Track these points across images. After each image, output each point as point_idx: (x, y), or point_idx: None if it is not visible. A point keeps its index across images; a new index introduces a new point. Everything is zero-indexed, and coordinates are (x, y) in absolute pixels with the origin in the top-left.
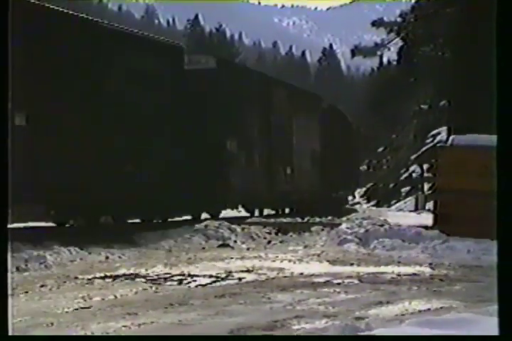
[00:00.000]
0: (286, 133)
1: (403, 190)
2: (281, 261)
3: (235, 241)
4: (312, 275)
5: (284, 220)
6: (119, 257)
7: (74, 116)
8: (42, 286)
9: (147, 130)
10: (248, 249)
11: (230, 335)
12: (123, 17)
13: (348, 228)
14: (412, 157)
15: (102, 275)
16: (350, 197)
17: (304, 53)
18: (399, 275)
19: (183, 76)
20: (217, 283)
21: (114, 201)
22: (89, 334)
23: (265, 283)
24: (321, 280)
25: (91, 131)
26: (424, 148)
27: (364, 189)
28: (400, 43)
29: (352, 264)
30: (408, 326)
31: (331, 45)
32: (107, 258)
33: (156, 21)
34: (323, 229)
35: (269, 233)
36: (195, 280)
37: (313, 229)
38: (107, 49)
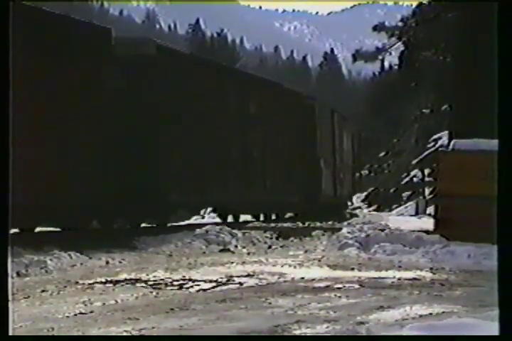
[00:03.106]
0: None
1: (404, 194)
2: (282, 266)
3: (236, 246)
4: (313, 279)
5: (285, 225)
6: (120, 262)
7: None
8: (42, 291)
9: None
10: (249, 253)
11: (228, 335)
12: (124, 21)
13: (348, 232)
14: (414, 161)
15: (103, 280)
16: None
17: (305, 58)
18: (399, 279)
19: None
20: (218, 288)
21: None
22: None
23: (266, 287)
24: (322, 284)
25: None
26: (425, 153)
27: (365, 193)
28: (401, 48)
29: (353, 269)
30: (409, 330)
31: (332, 50)
32: (108, 263)
33: (158, 26)
34: (323, 234)
35: (270, 238)
36: (196, 285)
37: (313, 233)
38: None
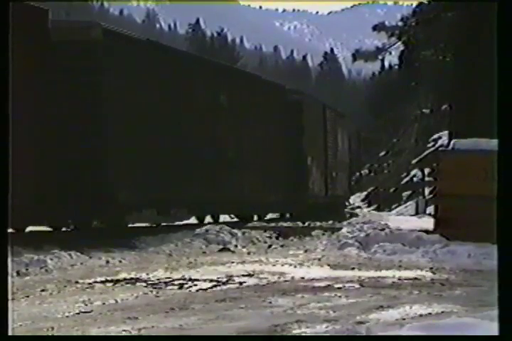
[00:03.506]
0: None
1: (404, 194)
2: (282, 265)
3: (236, 246)
4: (313, 279)
5: (285, 224)
6: (120, 261)
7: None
8: (42, 291)
9: None
10: (249, 253)
11: (228, 335)
12: (124, 21)
13: (348, 232)
14: (413, 161)
15: (103, 279)
16: None
17: (305, 57)
18: (399, 279)
19: None
20: (218, 288)
21: None
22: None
23: (266, 287)
24: (322, 284)
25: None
26: (425, 153)
27: (365, 193)
28: (401, 47)
29: (353, 268)
30: (409, 330)
31: (332, 50)
32: (108, 262)
33: (158, 25)
34: (323, 234)
35: (270, 237)
36: (195, 285)
37: (313, 233)
38: None
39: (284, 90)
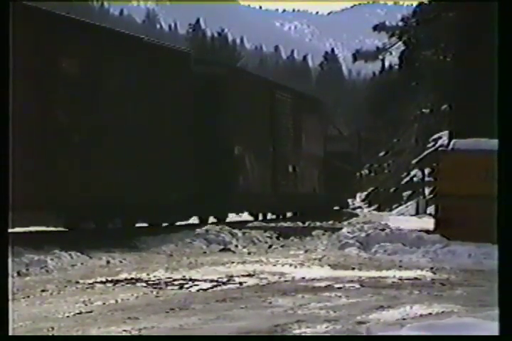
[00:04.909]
0: None
1: (404, 194)
2: (282, 266)
3: (236, 246)
4: (313, 279)
5: (285, 224)
6: (120, 262)
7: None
8: (43, 291)
9: None
10: (249, 253)
11: (228, 335)
12: (124, 21)
13: (349, 232)
14: (414, 161)
15: (103, 279)
16: None
17: (305, 57)
18: (400, 279)
19: None
20: (218, 288)
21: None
22: None
23: (266, 287)
24: (322, 284)
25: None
26: (425, 153)
27: (365, 193)
28: (402, 47)
29: (353, 268)
30: (409, 330)
31: (332, 50)
32: (108, 262)
33: (158, 26)
34: (324, 234)
35: (270, 237)
36: (196, 285)
37: (314, 233)
38: None
39: (189, 60)
